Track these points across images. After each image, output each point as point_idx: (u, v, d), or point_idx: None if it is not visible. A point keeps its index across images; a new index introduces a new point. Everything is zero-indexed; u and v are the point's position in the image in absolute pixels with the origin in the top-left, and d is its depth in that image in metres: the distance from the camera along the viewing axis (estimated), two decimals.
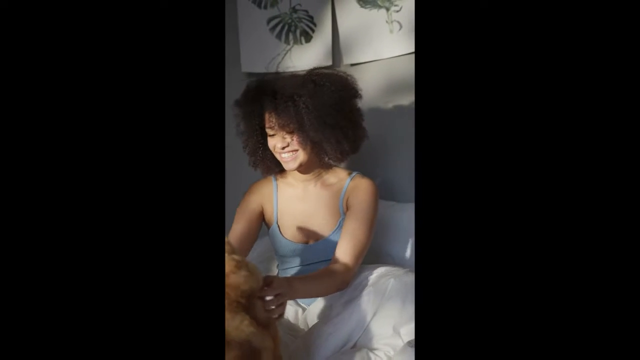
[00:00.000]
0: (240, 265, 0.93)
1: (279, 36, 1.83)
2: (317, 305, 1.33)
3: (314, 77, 1.29)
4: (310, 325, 1.26)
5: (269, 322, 0.97)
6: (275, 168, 1.39)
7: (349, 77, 1.37)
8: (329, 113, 1.25)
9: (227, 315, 0.89)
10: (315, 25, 1.80)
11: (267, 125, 1.29)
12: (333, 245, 1.31)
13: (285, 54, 1.83)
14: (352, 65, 1.79)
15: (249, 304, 0.92)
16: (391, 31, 1.69)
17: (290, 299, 1.13)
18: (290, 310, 1.36)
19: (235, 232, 1.40)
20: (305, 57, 1.80)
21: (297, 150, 1.29)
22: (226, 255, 0.94)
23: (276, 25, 1.83)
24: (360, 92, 1.38)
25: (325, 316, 1.25)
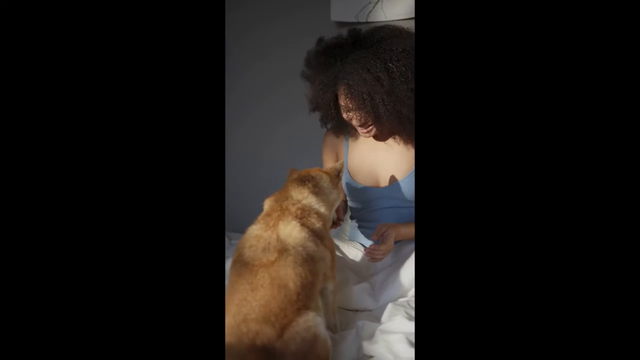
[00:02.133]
0: (304, 182, 1.09)
1: None
2: (394, 249, 1.35)
3: (388, 61, 1.22)
4: (377, 270, 1.31)
5: (323, 235, 1.05)
6: (347, 128, 1.42)
7: None
8: (406, 104, 1.24)
9: (280, 225, 1.00)
10: None
11: (342, 103, 1.29)
12: (406, 189, 1.35)
13: (377, 3, 1.78)
14: None
15: (303, 214, 1.03)
16: None
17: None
18: (359, 255, 1.40)
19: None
20: (397, 7, 1.75)
21: (373, 125, 1.32)
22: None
23: None
24: None
25: (392, 262, 1.29)
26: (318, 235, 1.03)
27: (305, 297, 0.93)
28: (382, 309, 1.10)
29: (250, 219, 1.08)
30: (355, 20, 1.80)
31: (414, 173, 1.36)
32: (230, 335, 0.87)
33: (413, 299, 1.12)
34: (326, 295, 1.06)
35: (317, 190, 1.10)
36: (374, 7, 1.79)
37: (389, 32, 1.28)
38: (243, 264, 0.96)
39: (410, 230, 1.29)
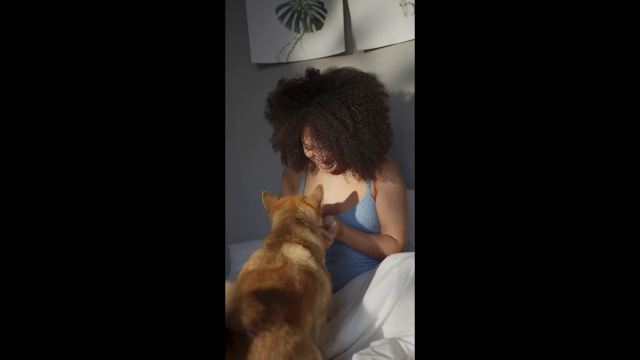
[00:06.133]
0: (302, 223, 1.17)
1: (288, 24, 1.77)
2: (342, 291, 1.34)
3: (351, 105, 1.29)
4: (338, 311, 1.25)
5: (322, 264, 1.12)
6: (306, 164, 1.48)
7: (380, 87, 1.39)
8: (368, 146, 1.33)
9: (284, 246, 1.08)
10: (325, 11, 1.74)
11: (306, 142, 1.35)
12: (357, 216, 1.41)
13: (296, 43, 1.76)
14: (366, 51, 1.72)
15: (308, 244, 1.12)
16: (405, 14, 1.62)
17: (338, 238, 1.33)
18: None
19: None
20: (317, 45, 1.74)
21: (336, 163, 1.41)
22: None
23: (285, 13, 1.77)
24: (387, 96, 1.42)
25: (347, 301, 1.25)
26: (318, 261, 1.10)
27: (307, 304, 0.95)
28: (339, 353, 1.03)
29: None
30: (277, 62, 1.77)
31: (363, 202, 1.42)
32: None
33: (378, 343, 1.06)
34: (315, 329, 1.02)
35: (313, 228, 1.17)
36: (293, 47, 1.77)
37: (349, 77, 1.36)
38: (248, 273, 1.00)
39: (352, 236, 1.35)
